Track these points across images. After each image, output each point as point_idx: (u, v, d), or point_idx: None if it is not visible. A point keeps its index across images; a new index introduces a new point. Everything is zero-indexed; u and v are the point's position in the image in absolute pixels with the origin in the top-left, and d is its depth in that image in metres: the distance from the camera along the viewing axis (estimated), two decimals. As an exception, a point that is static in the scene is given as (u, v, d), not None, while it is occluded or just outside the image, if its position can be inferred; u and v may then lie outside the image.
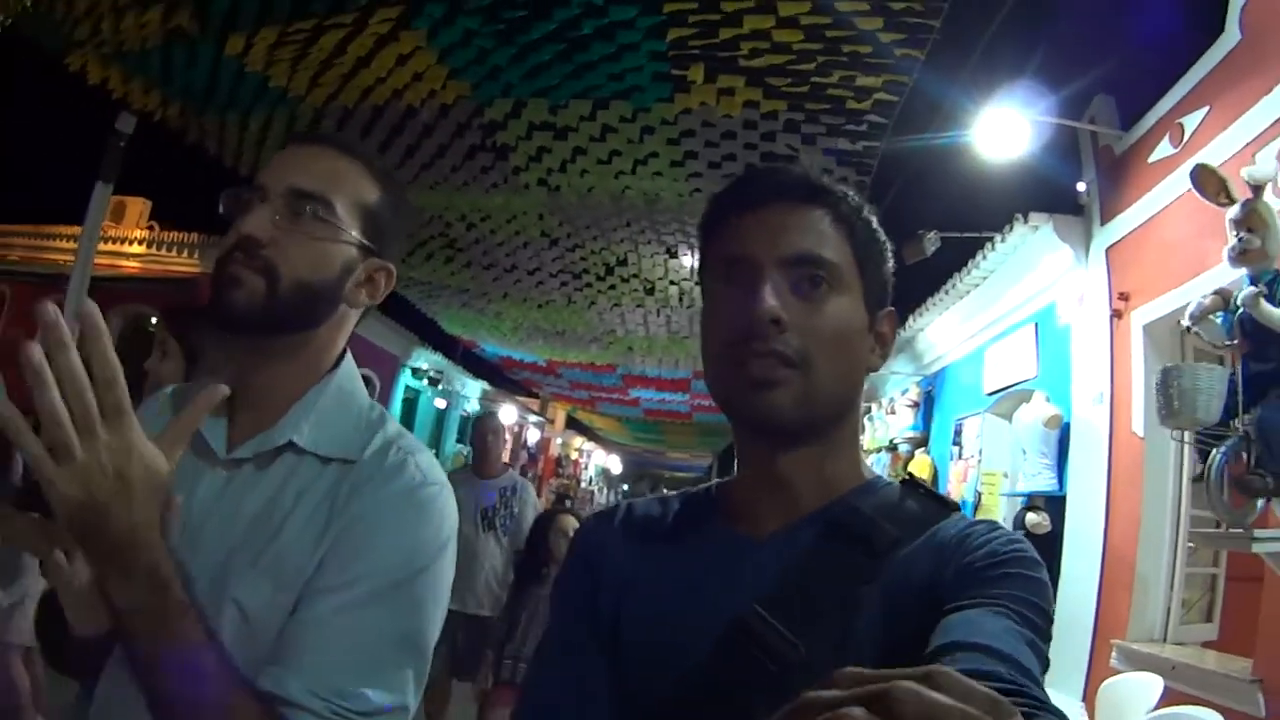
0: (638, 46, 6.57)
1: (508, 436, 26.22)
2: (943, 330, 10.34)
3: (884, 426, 12.92)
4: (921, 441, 11.31)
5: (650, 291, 12.62)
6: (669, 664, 1.02)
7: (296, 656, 1.17)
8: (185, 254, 16.00)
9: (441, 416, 23.86)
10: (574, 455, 39.08)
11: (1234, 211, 4.02)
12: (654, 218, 9.97)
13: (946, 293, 9.46)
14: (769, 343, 1.01)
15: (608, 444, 42.87)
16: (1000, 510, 8.03)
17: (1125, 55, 6.95)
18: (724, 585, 1.05)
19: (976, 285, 8.83)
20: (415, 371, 19.86)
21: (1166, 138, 6.08)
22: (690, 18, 6.16)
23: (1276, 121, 4.75)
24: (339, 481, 1.29)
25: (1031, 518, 6.86)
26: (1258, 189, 3.96)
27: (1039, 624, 0.89)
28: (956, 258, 8.99)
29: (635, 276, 12.02)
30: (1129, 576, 5.92)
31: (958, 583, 0.93)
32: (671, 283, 12.09)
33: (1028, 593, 0.91)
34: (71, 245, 17.32)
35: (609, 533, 1.22)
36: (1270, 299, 3.76)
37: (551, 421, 31.68)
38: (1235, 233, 4.00)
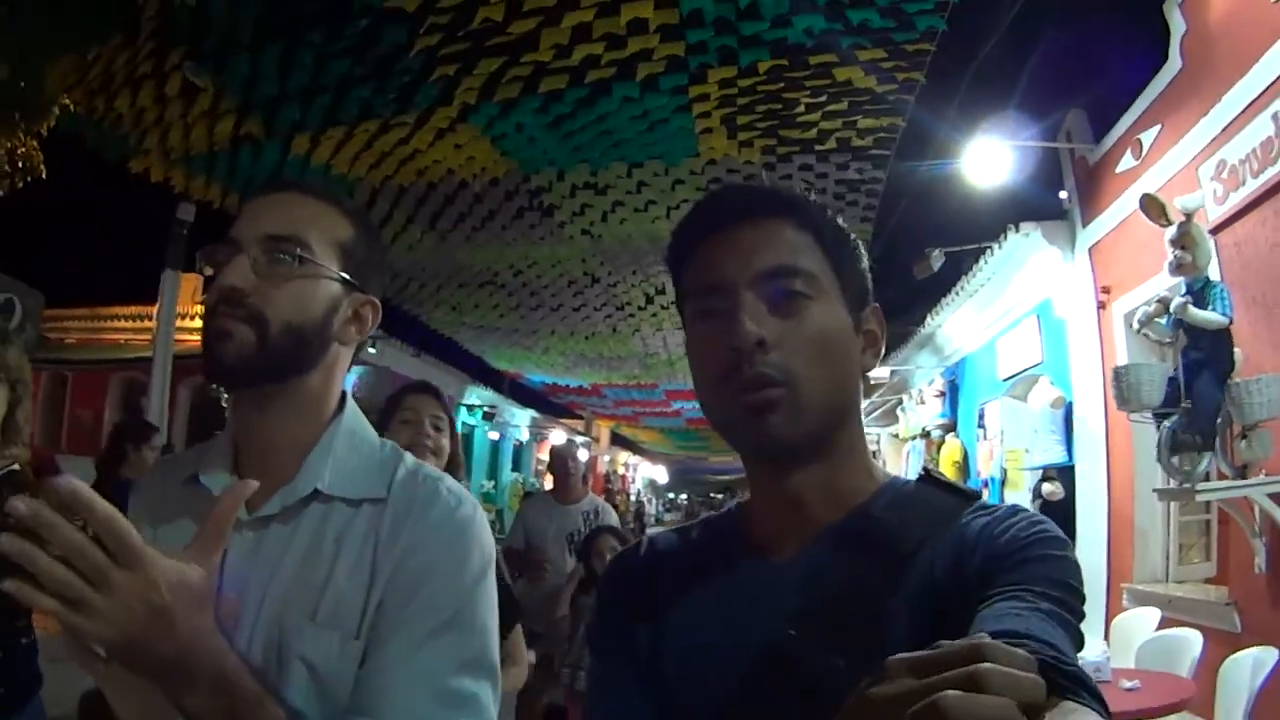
0: (668, 120, 7.59)
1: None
2: (958, 325, 11.36)
3: (916, 415, 13.93)
4: (951, 427, 12.30)
5: (688, 315, 13.66)
6: (707, 697, 1.02)
7: (377, 705, 1.18)
8: None
9: (495, 448, 24.80)
10: (621, 470, 40.08)
11: (1171, 232, 5.06)
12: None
13: (957, 293, 10.49)
14: (756, 367, 1.00)
15: (652, 455, 43.60)
16: (1025, 482, 9.01)
17: (1095, 74, 7.95)
18: (752, 612, 1.04)
19: (982, 286, 9.86)
20: (469, 408, 20.77)
21: (1129, 151, 7.09)
22: (709, 74, 7.11)
23: (1214, 139, 5.75)
24: (375, 521, 1.29)
25: (1047, 487, 7.88)
26: (1189, 215, 4.99)
27: (1070, 603, 0.88)
28: (968, 261, 10.04)
29: (675, 303, 13.05)
30: (1130, 530, 6.96)
31: (986, 575, 0.91)
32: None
33: (1056, 573, 0.90)
34: (127, 324, 18.10)
35: (634, 572, 1.22)
36: (1198, 303, 4.80)
37: (596, 440, 32.55)
38: (1172, 250, 5.04)
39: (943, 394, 12.67)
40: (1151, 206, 5.27)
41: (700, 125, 7.74)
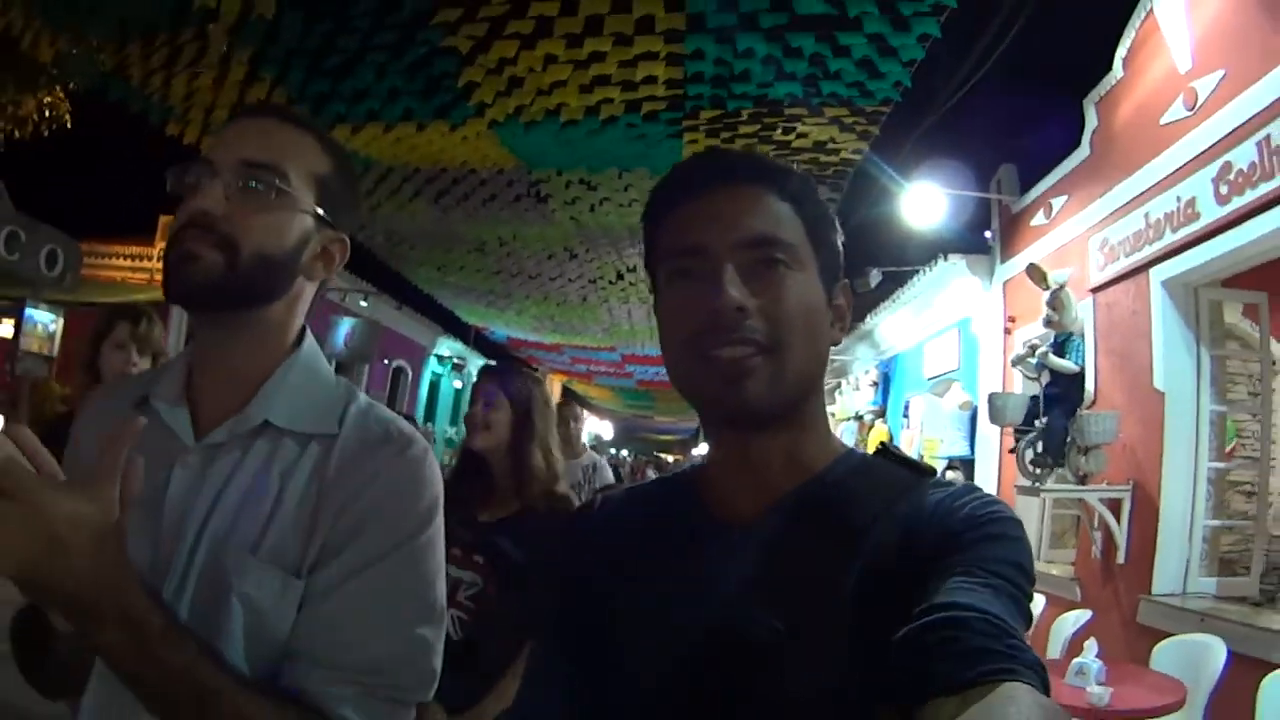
0: (660, 142, 8.88)
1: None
2: (893, 327, 12.98)
3: (851, 400, 15.57)
4: (880, 413, 13.97)
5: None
6: (658, 659, 1.00)
7: (313, 645, 1.16)
8: None
9: (458, 396, 25.83)
10: (570, 423, 41.42)
11: (1046, 295, 6.60)
12: (660, 240, 12.34)
13: (894, 301, 12.04)
14: (736, 333, 0.99)
15: (600, 411, 44.91)
16: (937, 469, 10.63)
17: (1028, 137, 9.43)
18: (706, 575, 1.03)
19: (914, 298, 11.43)
20: (440, 359, 21.91)
21: (1042, 210, 8.61)
22: (700, 113, 8.39)
23: (1103, 219, 7.25)
24: (323, 457, 1.26)
25: (950, 475, 9.46)
26: (1061, 285, 6.54)
27: (1020, 583, 0.88)
28: (906, 275, 11.61)
29: (642, 281, 14.34)
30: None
31: (939, 550, 0.91)
32: (672, 284, 14.48)
33: (1008, 554, 0.90)
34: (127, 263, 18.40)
35: (586, 537, 1.21)
36: (1060, 353, 6.35)
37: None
38: (1046, 309, 6.58)
39: (876, 384, 14.35)
40: (1034, 273, 6.83)
41: (687, 149, 9.05)
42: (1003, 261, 9.43)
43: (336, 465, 1.25)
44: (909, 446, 12.02)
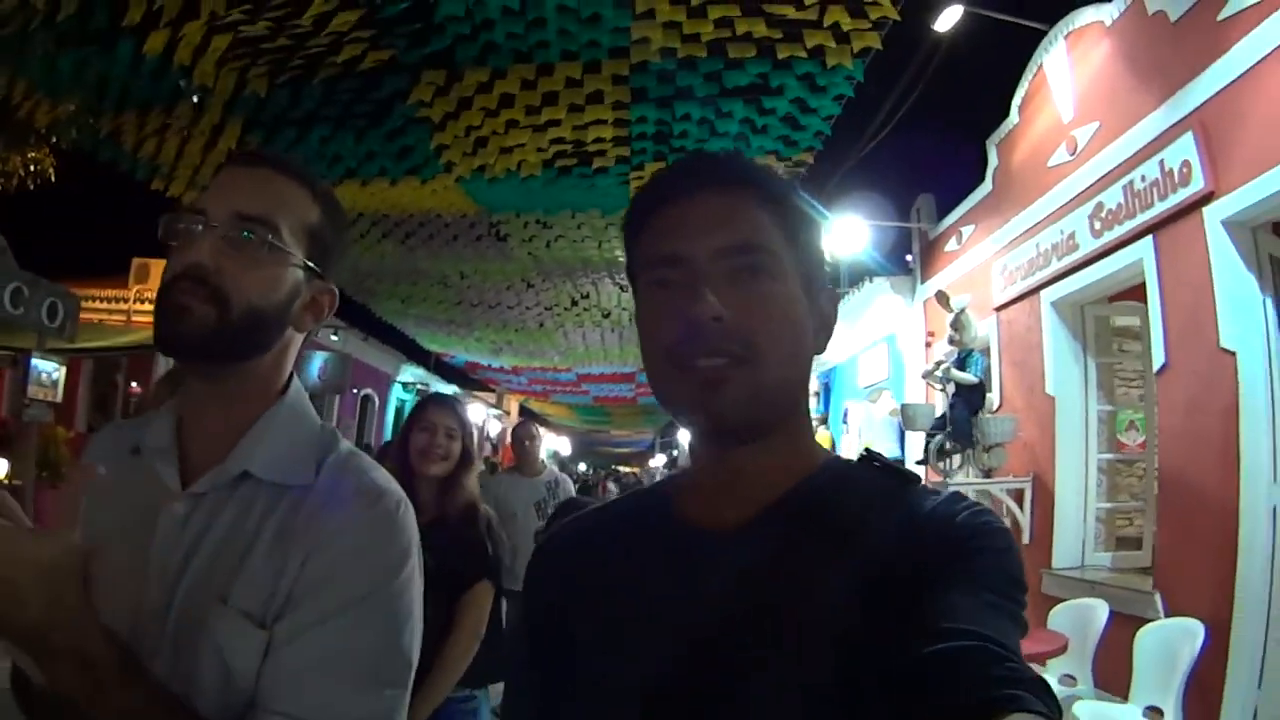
0: (609, 190, 9.82)
1: (488, 433, 29.01)
2: (831, 341, 13.99)
3: (796, 408, 16.68)
4: (824, 419, 14.99)
5: (606, 316, 15.85)
6: (633, 675, 0.98)
7: (272, 695, 1.15)
8: None
9: (421, 420, 26.23)
10: (528, 443, 42.23)
11: (950, 317, 7.66)
12: (612, 269, 13.25)
13: (829, 318, 13.16)
14: (713, 343, 0.95)
15: (557, 428, 45.57)
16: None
17: (944, 170, 10.51)
18: (684, 588, 1.00)
19: (846, 316, 12.49)
20: (405, 385, 22.65)
21: (954, 237, 9.71)
22: (645, 166, 9.35)
23: (1003, 247, 8.40)
24: (295, 508, 1.26)
25: (886, 476, 10.58)
26: (962, 309, 7.61)
27: (1016, 596, 0.87)
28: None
29: (596, 306, 15.26)
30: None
31: (933, 564, 0.88)
32: (623, 309, 15.37)
33: (1004, 567, 0.89)
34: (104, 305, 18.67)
35: (560, 559, 1.18)
36: (961, 367, 7.42)
37: (508, 413, 34.55)
38: (950, 329, 7.65)
39: (818, 393, 15.38)
40: (940, 298, 7.93)
41: (634, 192, 10.01)
42: (922, 282, 10.55)
43: (305, 516, 1.24)
44: (849, 450, 13.11)
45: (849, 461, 1.09)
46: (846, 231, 10.05)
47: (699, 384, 0.96)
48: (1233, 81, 5.33)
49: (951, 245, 9.78)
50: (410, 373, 23.08)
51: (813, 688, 0.88)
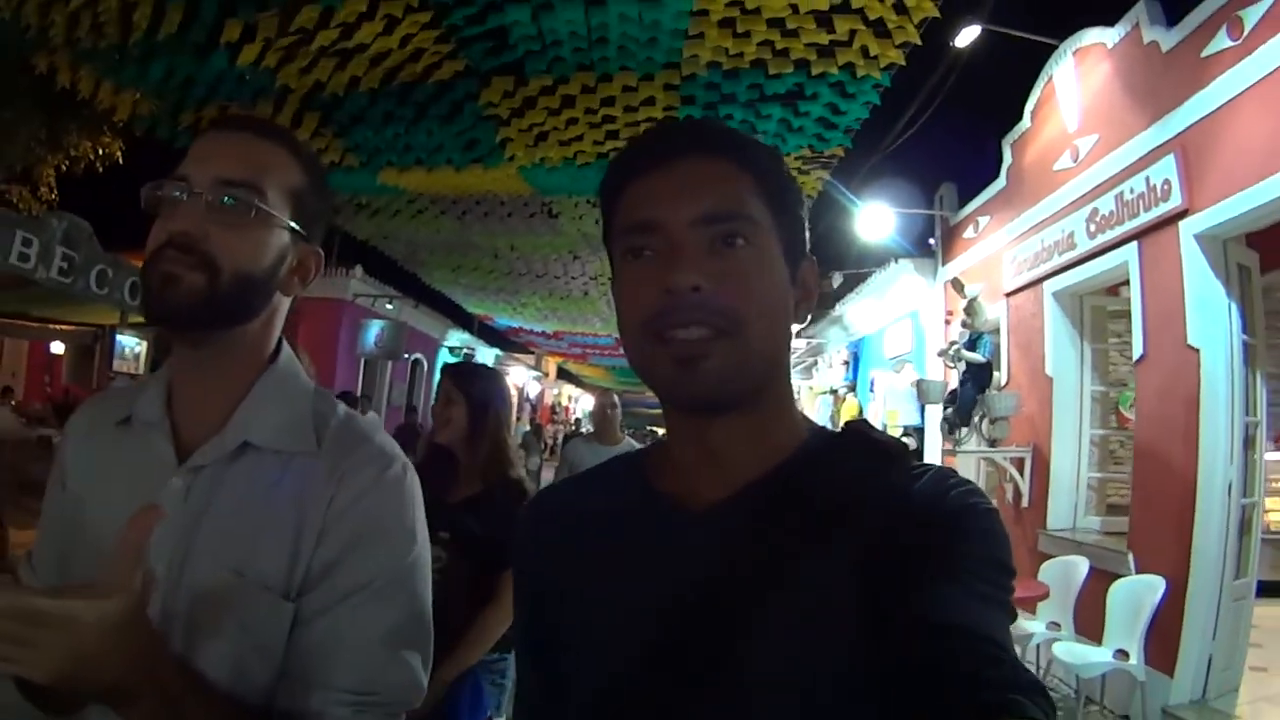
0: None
1: (528, 395, 29.80)
2: (859, 314, 14.96)
3: (826, 375, 17.56)
4: (852, 388, 15.92)
5: (648, 285, 16.77)
6: (611, 657, 0.97)
7: (307, 667, 1.19)
8: None
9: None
10: (565, 402, 43.53)
11: (963, 302, 8.52)
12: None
13: (857, 293, 14.00)
14: (692, 314, 0.93)
15: (592, 388, 46.64)
16: (897, 435, 12.65)
17: (970, 159, 11.31)
18: (661, 568, 0.98)
19: (874, 292, 13.37)
20: (452, 350, 23.58)
21: (971, 225, 10.54)
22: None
23: (1014, 239, 9.21)
24: (306, 476, 1.26)
25: (907, 441, 11.40)
26: (975, 296, 8.47)
27: (1005, 583, 0.87)
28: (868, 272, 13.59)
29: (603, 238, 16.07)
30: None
31: (918, 547, 0.86)
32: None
33: (992, 551, 0.88)
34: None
35: (541, 531, 1.17)
36: (971, 348, 8.30)
37: (546, 374, 35.70)
38: (963, 314, 8.51)
39: (847, 362, 16.35)
40: (956, 285, 8.81)
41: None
42: (943, 264, 11.40)
43: (318, 486, 1.24)
44: (875, 417, 14.01)
45: (833, 436, 1.07)
46: (874, 217, 10.88)
47: (676, 356, 0.94)
48: (1211, 112, 6.10)
49: (969, 233, 10.62)
50: (456, 337, 24.00)
51: (788, 673, 0.87)
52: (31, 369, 19.34)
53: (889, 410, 13.09)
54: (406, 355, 18.84)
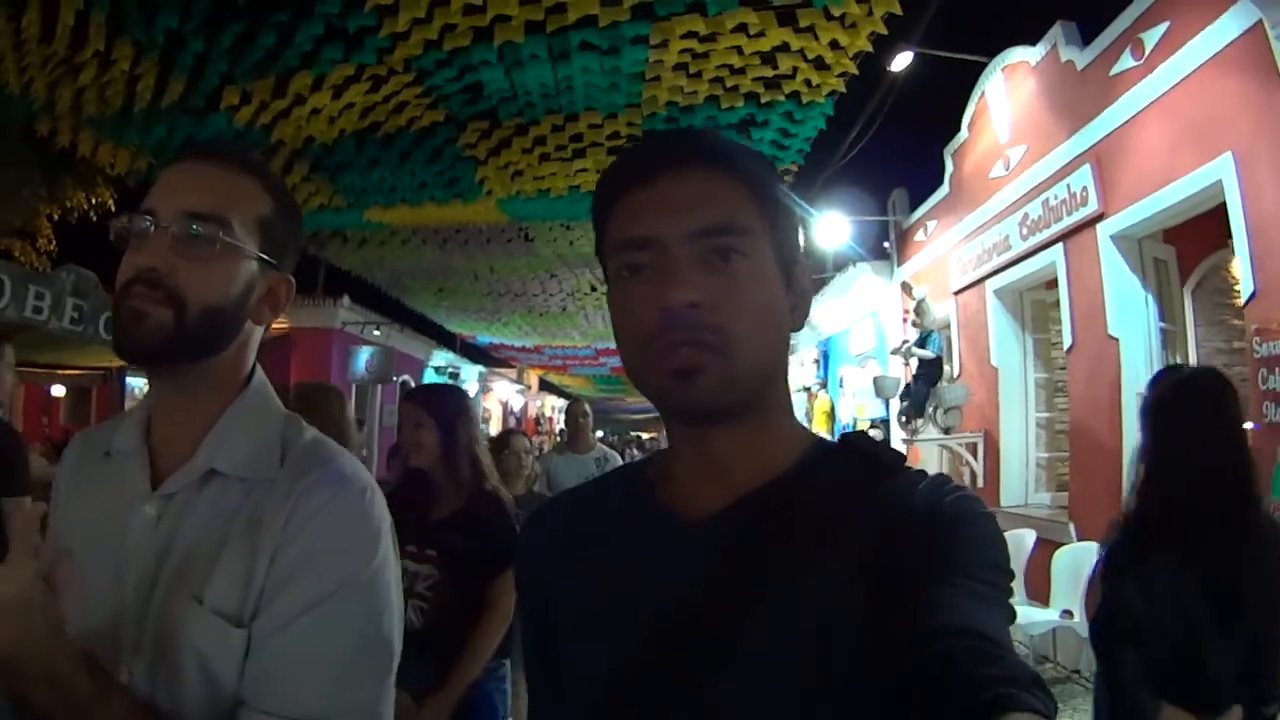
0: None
1: (512, 408, 30.41)
2: (826, 314, 15.68)
3: (799, 374, 18.32)
4: (823, 384, 16.68)
5: (624, 298, 17.44)
6: (609, 669, 0.97)
7: (256, 693, 1.16)
8: None
9: (453, 400, 27.60)
10: (549, 413, 44.10)
11: (910, 303, 9.27)
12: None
13: (823, 295, 14.75)
14: (689, 331, 0.93)
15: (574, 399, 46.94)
16: (863, 427, 13.35)
17: (916, 169, 12.09)
18: (660, 577, 0.98)
19: (838, 294, 14.14)
20: (437, 369, 24.09)
21: (922, 229, 11.30)
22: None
23: (959, 242, 9.96)
24: (263, 501, 1.25)
25: (874, 433, 12.07)
26: (921, 299, 9.23)
27: (1004, 584, 0.88)
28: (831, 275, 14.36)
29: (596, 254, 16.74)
30: (918, 460, 11.27)
31: (914, 555, 0.87)
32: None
33: (990, 555, 0.89)
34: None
35: (543, 538, 1.17)
36: (921, 345, 9.06)
37: (529, 387, 36.20)
38: (912, 314, 9.27)
39: (818, 361, 17.06)
40: (904, 288, 9.61)
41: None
42: (899, 265, 12.16)
43: (272, 509, 1.24)
44: (845, 411, 14.79)
45: (832, 447, 1.06)
46: (830, 225, 11.64)
47: (673, 371, 0.93)
48: (1120, 125, 6.86)
49: (920, 235, 11.40)
50: (441, 356, 24.50)
51: (783, 684, 0.87)
52: (29, 411, 19.72)
53: (857, 405, 13.86)
54: (395, 378, 19.37)
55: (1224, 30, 5.61)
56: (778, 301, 1.00)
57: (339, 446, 1.37)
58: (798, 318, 1.04)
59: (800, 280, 1.05)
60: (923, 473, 1.00)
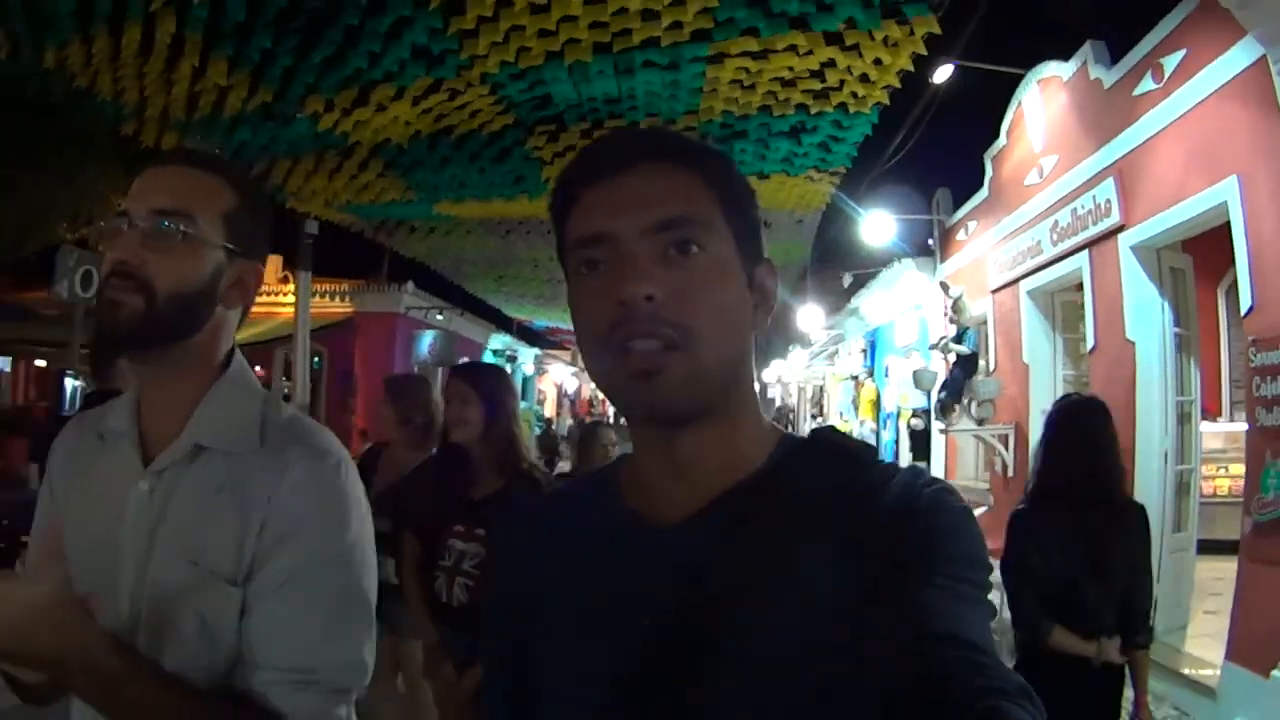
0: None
1: (565, 390, 31.09)
2: (873, 306, 16.29)
3: (847, 362, 18.92)
4: (870, 373, 17.25)
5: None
6: (581, 677, 0.98)
7: (253, 649, 1.29)
8: (339, 299, 18.62)
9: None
10: (602, 395, 44.85)
11: (949, 304, 9.85)
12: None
13: (869, 288, 15.32)
14: (646, 325, 0.91)
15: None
16: (906, 416, 13.95)
17: (960, 170, 12.61)
18: (629, 583, 0.98)
19: (883, 287, 14.70)
20: (495, 352, 24.95)
21: (963, 229, 11.84)
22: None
23: (996, 243, 10.52)
24: (249, 472, 1.35)
25: (914, 421, 12.81)
26: (959, 296, 9.81)
27: (983, 582, 0.88)
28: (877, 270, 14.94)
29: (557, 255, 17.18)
30: (956, 450, 11.85)
31: (892, 555, 0.87)
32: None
33: (964, 548, 0.88)
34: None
35: (518, 544, 1.16)
36: (959, 340, 9.65)
37: (583, 369, 36.92)
38: (950, 312, 9.84)
39: (864, 350, 17.65)
40: (944, 287, 10.19)
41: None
42: (941, 263, 12.72)
43: (259, 481, 1.34)
44: (890, 400, 15.37)
45: (801, 444, 1.04)
46: (876, 223, 12.21)
47: (632, 371, 0.92)
48: (1141, 143, 7.38)
49: (961, 235, 11.96)
50: (499, 340, 25.30)
51: (767, 688, 0.87)
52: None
53: (901, 394, 14.43)
54: (456, 360, 20.07)
55: (1234, 61, 6.09)
56: (738, 298, 0.99)
57: (316, 423, 1.50)
58: (761, 317, 1.03)
59: (763, 279, 1.03)
60: (895, 465, 1.00)
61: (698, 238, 0.95)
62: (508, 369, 27.60)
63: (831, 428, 1.12)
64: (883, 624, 0.82)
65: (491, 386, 3.60)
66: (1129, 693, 3.48)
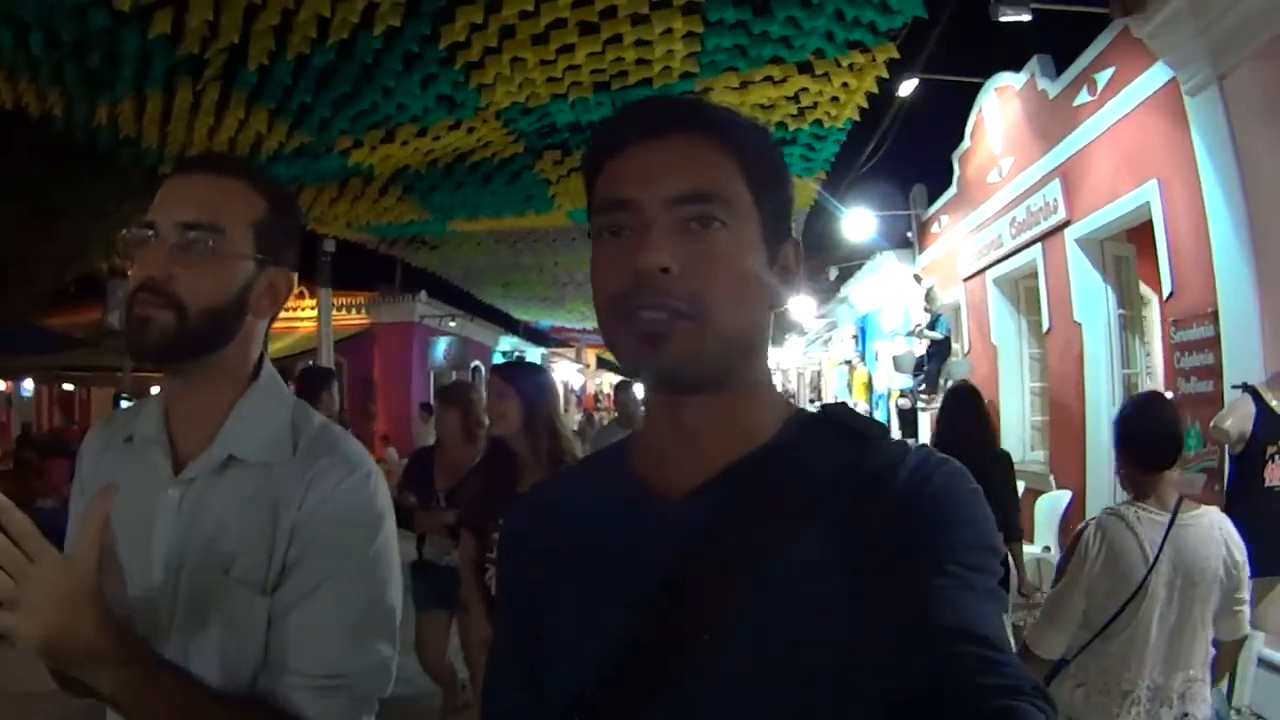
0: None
1: (571, 387, 31.80)
2: (861, 294, 17.34)
3: (840, 348, 19.96)
4: (861, 358, 18.27)
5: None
6: (591, 649, 0.96)
7: (280, 655, 1.29)
8: (355, 312, 19.62)
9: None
10: (606, 389, 45.90)
11: (922, 293, 10.88)
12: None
13: (856, 278, 16.36)
14: (658, 294, 0.90)
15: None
16: (895, 396, 14.98)
17: (933, 167, 13.63)
18: (637, 553, 0.97)
19: (869, 276, 15.76)
20: (504, 354, 25.76)
21: (937, 222, 12.87)
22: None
23: (965, 236, 11.52)
24: (281, 482, 1.35)
25: (903, 401, 13.78)
26: (930, 288, 10.86)
27: (995, 569, 0.86)
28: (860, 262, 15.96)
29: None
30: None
31: (901, 538, 0.86)
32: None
33: (975, 535, 0.87)
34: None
35: (527, 524, 1.17)
36: (931, 327, 10.71)
37: (588, 365, 38.13)
38: (924, 301, 10.88)
39: (856, 336, 18.70)
40: (917, 279, 11.20)
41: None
42: (920, 253, 13.76)
43: (290, 491, 1.35)
44: (881, 382, 16.40)
45: (811, 419, 1.04)
46: (857, 220, 13.24)
47: (640, 335, 0.91)
48: (1081, 149, 8.36)
49: (936, 228, 13.01)
50: (507, 342, 26.23)
51: (770, 664, 0.87)
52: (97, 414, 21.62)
53: (890, 376, 15.44)
54: (469, 364, 20.99)
55: (1152, 79, 7.01)
56: (757, 276, 0.97)
57: (344, 431, 1.49)
58: (782, 294, 1.02)
59: (787, 257, 1.02)
60: (905, 444, 0.99)
61: (720, 213, 0.94)
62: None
63: (843, 404, 1.12)
64: (889, 616, 0.81)
65: (530, 382, 3.70)
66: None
